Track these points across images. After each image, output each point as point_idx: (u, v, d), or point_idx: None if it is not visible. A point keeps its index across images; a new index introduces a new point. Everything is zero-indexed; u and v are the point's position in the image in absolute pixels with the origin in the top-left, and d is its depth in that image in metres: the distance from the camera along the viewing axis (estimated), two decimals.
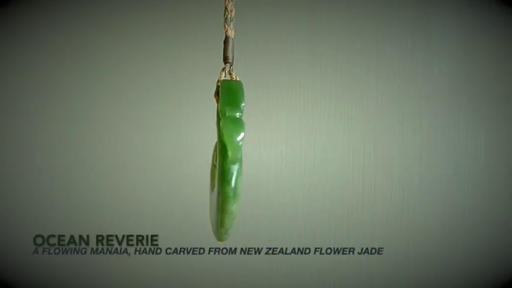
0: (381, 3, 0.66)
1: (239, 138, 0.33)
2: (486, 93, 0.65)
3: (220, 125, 0.34)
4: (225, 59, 0.38)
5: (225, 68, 0.38)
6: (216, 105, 0.38)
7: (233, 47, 0.38)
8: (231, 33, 0.38)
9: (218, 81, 0.37)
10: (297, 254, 0.66)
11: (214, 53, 0.66)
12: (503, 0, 0.65)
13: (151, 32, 0.68)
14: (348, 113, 0.66)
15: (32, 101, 0.68)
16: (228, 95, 0.36)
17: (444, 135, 0.65)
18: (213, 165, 0.38)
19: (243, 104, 0.35)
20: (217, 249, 0.66)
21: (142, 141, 0.67)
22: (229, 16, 0.38)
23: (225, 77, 0.38)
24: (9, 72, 0.68)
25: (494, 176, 0.65)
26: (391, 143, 0.66)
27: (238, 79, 0.38)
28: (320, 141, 0.66)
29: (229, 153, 0.33)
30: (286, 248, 0.66)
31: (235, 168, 0.34)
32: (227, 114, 0.35)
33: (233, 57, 0.38)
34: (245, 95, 0.36)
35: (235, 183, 0.34)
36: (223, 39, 0.38)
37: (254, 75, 0.66)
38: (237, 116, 0.35)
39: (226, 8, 0.38)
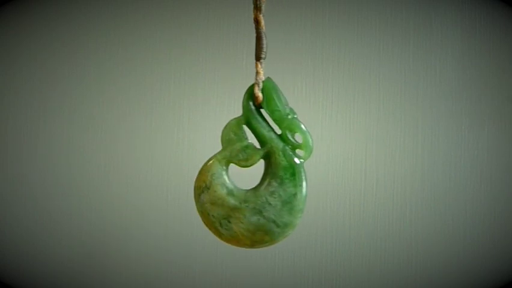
0: (382, 4, 0.66)
1: (311, 139, 0.36)
2: (489, 94, 0.65)
3: (289, 126, 0.36)
4: (261, 54, 0.39)
5: (261, 63, 0.39)
6: (247, 102, 0.38)
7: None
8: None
9: (258, 77, 0.38)
10: (297, 254, 0.66)
11: (217, 54, 0.67)
12: (507, 0, 0.65)
13: (152, 32, 0.67)
14: (350, 113, 0.66)
15: (32, 103, 0.68)
16: (281, 94, 0.38)
17: (446, 135, 0.65)
18: (221, 166, 0.38)
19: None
20: (217, 250, 0.66)
21: (142, 143, 0.67)
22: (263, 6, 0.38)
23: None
24: (9, 73, 0.68)
25: (496, 176, 0.65)
26: (393, 144, 0.66)
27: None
28: (321, 141, 0.66)
29: (305, 154, 0.36)
30: (287, 248, 0.66)
31: (304, 168, 0.36)
32: (290, 115, 0.37)
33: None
34: None
35: (307, 182, 0.36)
36: (257, 34, 0.39)
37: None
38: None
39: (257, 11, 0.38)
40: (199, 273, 0.66)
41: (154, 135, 0.67)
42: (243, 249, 0.67)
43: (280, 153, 0.36)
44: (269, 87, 0.37)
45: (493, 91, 0.65)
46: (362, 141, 0.66)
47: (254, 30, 0.38)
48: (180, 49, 0.67)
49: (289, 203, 0.36)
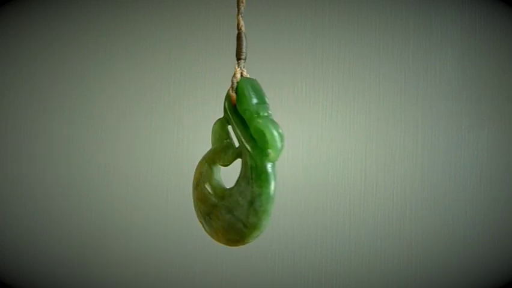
0: (382, 4, 0.66)
1: (281, 138, 0.34)
2: (489, 94, 0.65)
3: (256, 125, 0.35)
4: (242, 55, 0.37)
5: (239, 63, 0.37)
6: (225, 102, 0.37)
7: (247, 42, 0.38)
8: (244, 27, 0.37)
9: (234, 77, 0.37)
10: (297, 254, 0.66)
11: (217, 54, 0.67)
12: (507, 0, 0.65)
13: (152, 32, 0.67)
14: (350, 113, 0.66)
15: (32, 103, 0.68)
16: (255, 93, 0.36)
17: (446, 135, 0.65)
18: (207, 165, 0.38)
19: (268, 102, 0.36)
20: (217, 250, 0.66)
21: (142, 143, 0.67)
22: (241, 8, 0.37)
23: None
24: (9, 73, 0.68)
25: (496, 176, 0.65)
26: (393, 144, 0.66)
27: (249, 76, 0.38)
28: (321, 141, 0.66)
29: (273, 154, 0.34)
30: (287, 248, 0.66)
31: (274, 168, 0.35)
32: (261, 114, 0.35)
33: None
34: None
35: (276, 183, 0.35)
36: (236, 34, 0.37)
37: (255, 76, 0.66)
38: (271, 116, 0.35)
39: (241, 1, 0.37)
40: (199, 273, 0.66)
41: (154, 135, 0.67)
42: (242, 249, 0.68)
43: (248, 153, 0.35)
44: (241, 87, 0.36)
45: (493, 91, 0.65)
46: (362, 141, 0.66)
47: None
48: (180, 49, 0.67)
49: (254, 204, 0.35)
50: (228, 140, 0.37)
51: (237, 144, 0.37)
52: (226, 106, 0.37)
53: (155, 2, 0.67)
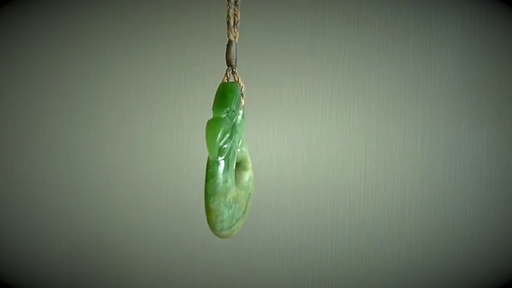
0: (382, 4, 0.66)
1: (217, 138, 0.35)
2: (489, 94, 0.65)
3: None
4: (228, 62, 0.39)
5: (227, 70, 0.39)
6: None
7: (236, 50, 0.39)
8: (233, 37, 0.39)
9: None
10: (297, 254, 0.66)
11: (217, 54, 0.67)
12: (507, 0, 0.65)
13: (152, 32, 0.67)
14: (350, 113, 0.66)
15: (32, 103, 0.68)
16: (218, 96, 0.38)
17: (446, 135, 0.65)
18: None
19: (230, 106, 0.37)
20: (217, 250, 0.66)
21: (142, 143, 0.67)
22: (231, 21, 0.39)
23: (227, 79, 0.39)
24: (9, 73, 0.68)
25: (496, 176, 0.65)
26: (393, 144, 0.66)
27: (240, 81, 0.39)
28: (321, 141, 0.66)
29: (208, 153, 0.35)
30: (287, 248, 0.66)
31: (214, 167, 0.35)
32: (213, 115, 0.36)
33: (236, 60, 0.39)
34: (237, 96, 0.38)
35: (214, 181, 0.35)
36: (227, 42, 0.39)
37: (256, 76, 0.66)
38: (222, 117, 0.36)
39: (228, 13, 0.39)
40: (199, 273, 0.66)
41: (154, 135, 0.67)
42: (243, 249, 0.68)
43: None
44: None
45: (493, 91, 0.65)
46: (362, 141, 0.66)
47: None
48: (180, 49, 0.67)
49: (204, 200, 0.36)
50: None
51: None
52: None
53: (155, 2, 0.67)
